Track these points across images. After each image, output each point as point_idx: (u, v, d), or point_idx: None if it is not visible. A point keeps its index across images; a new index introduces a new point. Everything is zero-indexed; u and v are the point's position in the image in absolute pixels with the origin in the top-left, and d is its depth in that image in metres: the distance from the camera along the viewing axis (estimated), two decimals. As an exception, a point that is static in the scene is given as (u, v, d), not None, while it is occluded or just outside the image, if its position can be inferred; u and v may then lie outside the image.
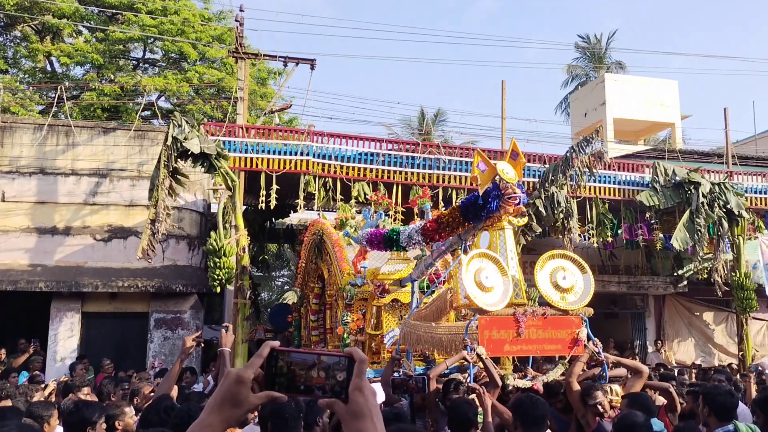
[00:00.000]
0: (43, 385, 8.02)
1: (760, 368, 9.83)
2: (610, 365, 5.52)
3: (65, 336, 12.48)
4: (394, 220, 10.68)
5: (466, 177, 12.35)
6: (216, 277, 10.46)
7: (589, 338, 5.58)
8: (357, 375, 1.33)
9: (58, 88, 15.63)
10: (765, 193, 14.42)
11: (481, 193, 5.65)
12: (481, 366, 5.53)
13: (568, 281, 5.73)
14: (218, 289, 10.83)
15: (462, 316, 6.68)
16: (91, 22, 19.42)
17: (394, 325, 8.38)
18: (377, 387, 5.33)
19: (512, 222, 6.05)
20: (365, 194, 11.61)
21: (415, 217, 10.26)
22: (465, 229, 6.22)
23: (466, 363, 5.53)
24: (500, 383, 5.28)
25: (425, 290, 8.17)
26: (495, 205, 5.57)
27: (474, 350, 5.31)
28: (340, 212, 10.87)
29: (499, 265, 5.71)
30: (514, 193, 5.51)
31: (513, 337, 5.49)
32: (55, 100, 15.02)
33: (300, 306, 11.98)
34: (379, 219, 9.04)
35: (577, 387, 4.94)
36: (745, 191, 13.95)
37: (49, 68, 19.92)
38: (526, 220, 6.91)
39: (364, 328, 8.65)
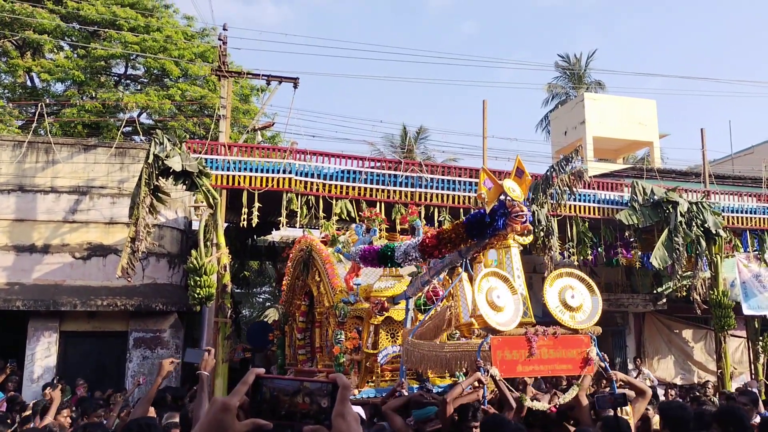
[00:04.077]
0: (18, 407, 7.89)
1: (749, 388, 9.88)
2: (618, 382, 5.51)
3: (42, 356, 12.28)
4: (380, 237, 10.64)
5: (448, 195, 12.41)
6: (196, 295, 10.35)
7: (598, 356, 5.58)
8: (340, 401, 1.34)
9: (39, 104, 15.51)
10: (742, 212, 14.64)
11: (488, 211, 5.59)
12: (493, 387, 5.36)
13: (577, 300, 5.72)
14: (198, 308, 10.72)
15: (462, 336, 6.57)
16: (73, 39, 19.34)
17: (387, 343, 8.26)
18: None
19: (517, 240, 6.01)
20: (348, 212, 11.61)
21: (398, 234, 10.24)
22: (467, 245, 6.16)
23: (479, 385, 5.35)
24: (514, 405, 5.14)
25: (422, 308, 8.00)
26: (502, 223, 5.48)
27: (488, 371, 5.18)
28: (324, 229, 10.81)
29: (509, 283, 5.69)
30: (521, 210, 5.41)
31: (525, 357, 5.43)
32: (35, 116, 14.89)
33: (284, 324, 11.79)
34: (373, 235, 8.94)
35: (585, 401, 4.95)
36: (722, 210, 14.16)
37: (29, 84, 19.77)
38: (531, 238, 6.85)
39: (360, 346, 8.44)
